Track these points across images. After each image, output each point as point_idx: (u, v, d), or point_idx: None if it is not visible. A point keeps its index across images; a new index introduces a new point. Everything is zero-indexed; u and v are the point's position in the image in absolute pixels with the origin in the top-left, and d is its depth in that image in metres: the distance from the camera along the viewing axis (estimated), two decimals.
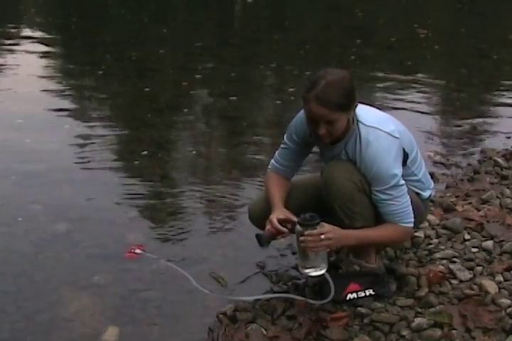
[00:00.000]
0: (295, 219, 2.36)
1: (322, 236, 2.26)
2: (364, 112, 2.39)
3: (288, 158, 2.62)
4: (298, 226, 2.29)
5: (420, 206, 2.57)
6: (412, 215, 2.42)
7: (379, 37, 9.57)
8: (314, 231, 2.25)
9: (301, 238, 2.26)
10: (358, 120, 2.36)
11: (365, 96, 5.52)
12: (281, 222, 2.39)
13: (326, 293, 2.38)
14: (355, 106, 2.34)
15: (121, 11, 10.78)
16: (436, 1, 13.55)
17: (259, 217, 2.59)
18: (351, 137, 2.38)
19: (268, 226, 2.40)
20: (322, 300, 2.40)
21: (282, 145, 2.63)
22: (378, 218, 2.43)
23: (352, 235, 2.38)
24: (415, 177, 2.52)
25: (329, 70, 2.33)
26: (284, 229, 2.39)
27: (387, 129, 2.35)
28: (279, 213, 2.43)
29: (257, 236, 2.42)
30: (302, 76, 6.60)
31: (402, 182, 2.37)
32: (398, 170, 2.36)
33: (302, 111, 2.48)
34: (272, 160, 2.67)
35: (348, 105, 2.29)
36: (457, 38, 9.52)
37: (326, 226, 2.29)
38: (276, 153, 2.66)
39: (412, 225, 2.44)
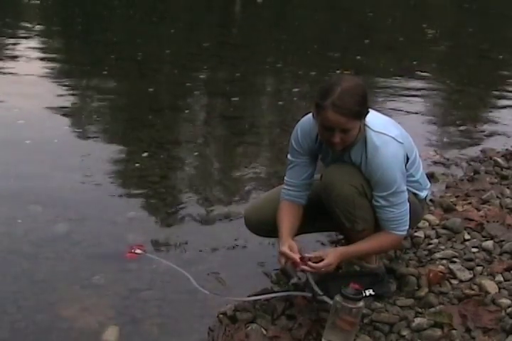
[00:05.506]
0: (297, 257, 2.32)
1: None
2: (370, 116, 2.35)
3: (299, 176, 2.53)
4: (341, 300, 2.18)
5: (417, 206, 2.58)
6: (408, 223, 2.42)
7: (387, 37, 9.57)
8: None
9: (347, 317, 2.18)
10: (365, 125, 2.34)
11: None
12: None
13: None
14: (368, 113, 2.30)
15: (130, 11, 10.77)
16: (444, 1, 13.54)
17: (255, 226, 2.72)
18: (358, 142, 2.36)
19: (286, 260, 2.34)
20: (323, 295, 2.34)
21: (290, 166, 2.55)
22: (377, 221, 2.43)
23: (347, 254, 2.41)
24: (413, 178, 2.51)
25: (342, 76, 2.30)
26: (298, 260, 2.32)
27: (392, 134, 2.34)
28: (286, 246, 2.36)
29: (283, 270, 2.39)
30: (306, 76, 6.60)
31: (404, 188, 2.37)
32: (401, 176, 2.35)
33: (303, 121, 2.48)
34: (283, 188, 2.57)
35: (363, 112, 2.26)
36: (464, 38, 9.53)
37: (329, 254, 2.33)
38: (286, 177, 2.57)
39: (405, 233, 2.45)
